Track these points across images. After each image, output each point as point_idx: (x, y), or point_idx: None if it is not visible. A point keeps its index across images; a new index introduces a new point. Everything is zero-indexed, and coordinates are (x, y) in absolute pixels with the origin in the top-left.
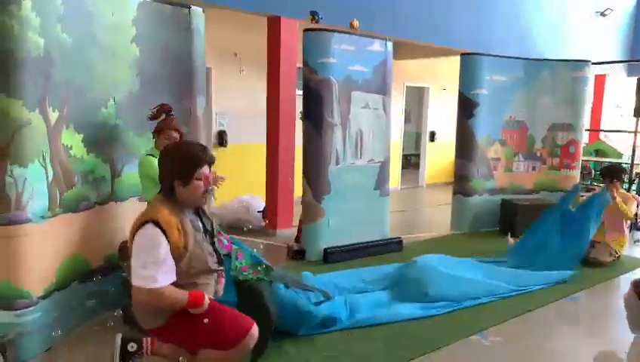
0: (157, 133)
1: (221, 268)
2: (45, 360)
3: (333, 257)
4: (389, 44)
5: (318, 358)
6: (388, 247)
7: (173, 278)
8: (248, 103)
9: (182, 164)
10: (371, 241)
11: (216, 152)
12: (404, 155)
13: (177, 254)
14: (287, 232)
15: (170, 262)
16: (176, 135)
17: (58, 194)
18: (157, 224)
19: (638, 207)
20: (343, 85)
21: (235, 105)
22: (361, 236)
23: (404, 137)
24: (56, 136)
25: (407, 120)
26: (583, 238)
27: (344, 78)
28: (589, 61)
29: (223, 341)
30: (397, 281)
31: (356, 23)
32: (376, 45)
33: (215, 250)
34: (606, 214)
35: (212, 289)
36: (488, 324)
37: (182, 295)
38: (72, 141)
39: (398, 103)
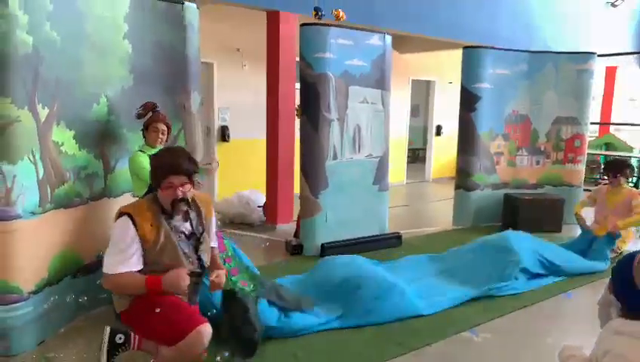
0: (145, 128)
1: (198, 271)
2: (37, 353)
3: (331, 252)
4: (388, 38)
5: (307, 353)
6: (386, 242)
7: (135, 268)
8: (250, 98)
9: (154, 170)
10: (369, 236)
11: (218, 147)
12: (412, 150)
13: (147, 246)
14: (287, 227)
15: (133, 252)
16: (163, 127)
17: (49, 191)
18: (130, 216)
19: None
20: (340, 80)
21: (237, 101)
22: (360, 231)
23: (411, 132)
24: (47, 132)
25: (414, 114)
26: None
27: (341, 73)
28: (594, 53)
29: (171, 333)
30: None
31: (341, 13)
32: (375, 39)
33: (199, 257)
34: (607, 209)
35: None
36: (480, 321)
37: (140, 279)
38: (63, 138)
39: (403, 97)
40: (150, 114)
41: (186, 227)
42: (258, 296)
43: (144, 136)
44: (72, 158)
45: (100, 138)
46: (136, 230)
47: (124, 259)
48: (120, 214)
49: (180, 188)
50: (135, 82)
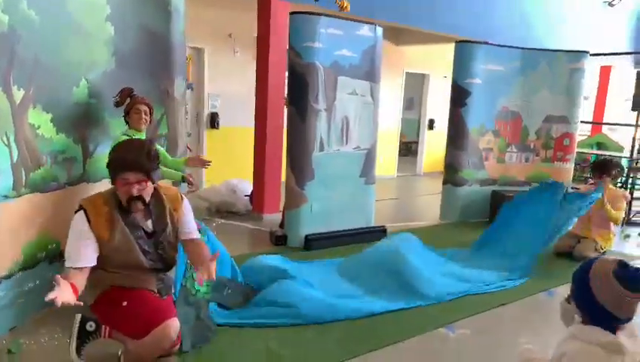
0: (126, 113)
1: (160, 268)
2: (8, 338)
3: (314, 244)
4: (379, 30)
5: (277, 345)
6: (371, 235)
7: (89, 263)
8: (241, 85)
9: (110, 163)
10: (354, 229)
11: (207, 134)
12: (405, 143)
13: (101, 242)
14: (273, 217)
15: (85, 246)
16: (145, 108)
17: (24, 174)
18: (85, 211)
19: (628, 204)
20: (329, 70)
21: (228, 87)
22: (345, 223)
23: (406, 124)
24: (22, 115)
25: (409, 107)
26: (556, 229)
27: (331, 63)
28: (587, 52)
29: (138, 326)
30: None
31: (346, 3)
32: (365, 30)
33: (160, 255)
34: (593, 210)
35: (150, 285)
36: (459, 317)
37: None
38: (40, 120)
39: (396, 89)
40: (128, 100)
41: (147, 225)
42: (209, 300)
43: (127, 122)
44: (48, 142)
45: (80, 122)
46: (90, 226)
47: (78, 254)
48: (78, 208)
49: (137, 186)
50: (117, 66)
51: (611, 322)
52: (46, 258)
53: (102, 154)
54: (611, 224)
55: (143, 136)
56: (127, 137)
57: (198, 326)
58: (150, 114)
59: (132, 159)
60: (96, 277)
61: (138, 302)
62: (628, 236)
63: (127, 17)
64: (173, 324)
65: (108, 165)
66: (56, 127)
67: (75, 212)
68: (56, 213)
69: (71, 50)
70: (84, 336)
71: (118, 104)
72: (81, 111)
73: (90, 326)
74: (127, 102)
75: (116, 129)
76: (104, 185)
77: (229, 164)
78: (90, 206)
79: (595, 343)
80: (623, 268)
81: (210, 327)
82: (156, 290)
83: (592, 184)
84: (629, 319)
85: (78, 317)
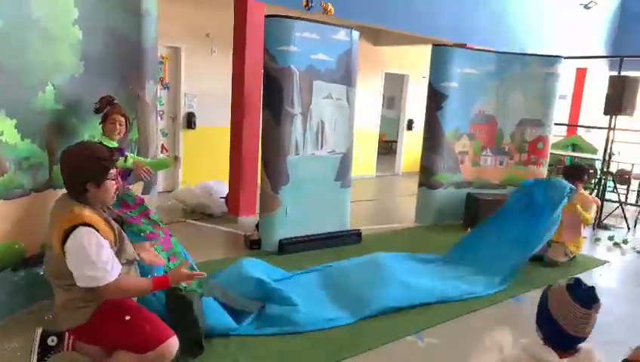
0: (103, 120)
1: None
2: None
3: (288, 248)
4: (355, 34)
5: (247, 357)
6: (345, 239)
7: (120, 266)
8: (219, 86)
9: (95, 166)
10: (328, 233)
11: (184, 134)
12: (386, 141)
13: (112, 246)
14: (249, 220)
15: (113, 255)
16: (121, 119)
17: None
18: (87, 225)
19: (597, 210)
20: (304, 74)
21: (205, 87)
22: (320, 227)
23: (387, 124)
24: None
25: (390, 106)
26: (535, 238)
27: (306, 67)
28: (561, 57)
29: (141, 342)
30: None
31: (330, 7)
32: (342, 34)
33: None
34: (563, 214)
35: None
36: (427, 324)
37: (146, 281)
38: (3, 126)
39: (376, 89)
40: (108, 108)
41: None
42: (202, 294)
43: (102, 129)
44: (12, 148)
45: (46, 127)
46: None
47: (113, 263)
48: (73, 226)
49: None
50: (86, 70)
51: (564, 341)
52: (10, 265)
53: None
54: (581, 228)
55: (114, 145)
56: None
57: (192, 328)
58: (126, 125)
59: (113, 154)
60: (89, 293)
61: (141, 316)
62: (598, 240)
63: (95, 21)
64: (176, 343)
65: (91, 168)
66: (21, 133)
67: (70, 232)
68: (21, 220)
69: (36, 54)
70: (45, 351)
71: (97, 111)
72: (47, 116)
73: (52, 340)
74: (107, 109)
75: (84, 134)
76: None
77: (206, 165)
78: (89, 220)
79: (532, 355)
80: (577, 284)
81: (200, 326)
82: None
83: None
84: (581, 338)
85: (39, 331)
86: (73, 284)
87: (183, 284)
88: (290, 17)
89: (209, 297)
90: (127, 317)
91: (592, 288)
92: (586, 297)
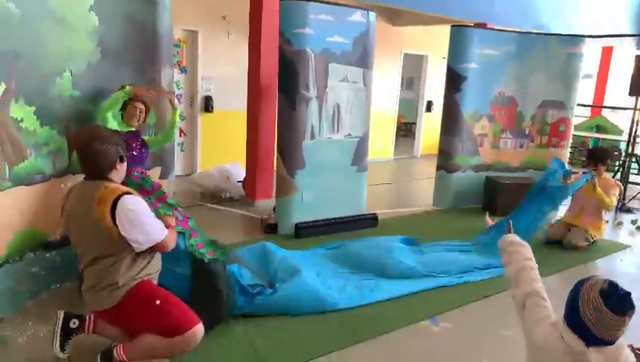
0: (123, 107)
1: None
2: None
3: (304, 232)
4: (372, 15)
5: (265, 340)
6: (362, 223)
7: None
8: (236, 69)
9: (116, 148)
10: (345, 217)
11: (201, 118)
12: (404, 123)
13: None
14: (266, 203)
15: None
16: (141, 106)
17: (7, 169)
18: (130, 193)
19: (620, 194)
20: (320, 57)
21: (222, 71)
22: (336, 211)
23: (406, 105)
24: (4, 109)
25: (409, 87)
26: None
27: (321, 50)
28: (584, 36)
29: (170, 326)
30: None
31: None
32: (358, 15)
33: None
34: (584, 199)
35: (159, 265)
36: (443, 309)
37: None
38: (23, 114)
39: (394, 71)
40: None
41: None
42: (225, 262)
43: (122, 115)
44: (32, 135)
45: (64, 113)
46: None
47: (159, 222)
48: (118, 196)
49: None
50: (102, 56)
51: (591, 339)
52: (32, 250)
53: None
54: (603, 213)
55: (131, 130)
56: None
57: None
58: (146, 113)
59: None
60: (122, 277)
61: (170, 301)
62: (620, 223)
63: (111, 7)
64: (202, 329)
65: (115, 152)
66: (40, 120)
67: (116, 202)
68: (41, 205)
69: (53, 42)
70: (68, 333)
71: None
72: (65, 103)
73: (74, 323)
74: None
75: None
76: None
77: (223, 148)
78: (125, 189)
79: (562, 336)
80: (611, 287)
81: (226, 305)
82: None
83: (584, 173)
84: (607, 342)
85: (61, 314)
86: (113, 260)
87: (208, 256)
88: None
89: (232, 266)
90: (158, 302)
91: (628, 294)
92: (621, 305)
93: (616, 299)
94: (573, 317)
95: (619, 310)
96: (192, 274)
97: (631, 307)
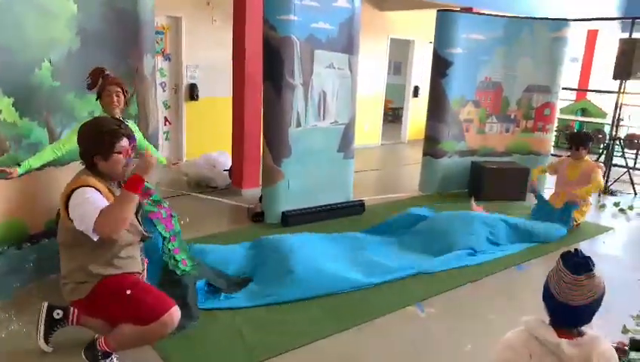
0: (99, 95)
1: (148, 235)
2: None
3: (292, 220)
4: (357, 0)
5: (251, 328)
6: (349, 210)
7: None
8: (221, 55)
9: (101, 139)
10: (332, 204)
11: (186, 106)
12: (392, 109)
13: None
14: (252, 192)
15: (99, 199)
16: (117, 89)
17: None
18: (87, 186)
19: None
20: (305, 44)
21: (206, 57)
22: (323, 199)
23: (393, 90)
24: None
25: (397, 72)
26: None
27: (307, 37)
28: (569, 20)
29: (143, 314)
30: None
31: None
32: (343, 1)
33: (139, 221)
34: (569, 182)
35: (138, 265)
36: (428, 294)
37: (122, 195)
38: (1, 105)
39: (381, 56)
40: (100, 80)
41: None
42: (197, 276)
43: (101, 105)
44: (12, 126)
45: (44, 105)
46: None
47: (100, 202)
48: (74, 188)
49: (129, 154)
50: (83, 45)
51: (559, 313)
52: (14, 242)
53: None
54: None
55: None
56: None
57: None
58: (124, 94)
59: (122, 128)
60: (87, 269)
61: (141, 289)
62: (603, 206)
63: None
64: (178, 313)
65: (94, 141)
66: (19, 111)
67: (71, 193)
68: (23, 198)
69: (30, 30)
70: (51, 324)
71: (90, 87)
72: (45, 93)
73: (57, 314)
74: (100, 82)
75: (83, 110)
76: (72, 168)
77: (209, 136)
78: (91, 184)
79: (533, 334)
80: (573, 253)
81: (193, 315)
82: (141, 270)
83: (568, 156)
84: (574, 309)
85: (45, 305)
86: (77, 251)
87: (181, 266)
88: None
89: (202, 280)
90: (128, 292)
91: (588, 257)
92: (578, 264)
93: (574, 260)
94: (545, 293)
95: (573, 268)
96: (160, 283)
97: (587, 269)
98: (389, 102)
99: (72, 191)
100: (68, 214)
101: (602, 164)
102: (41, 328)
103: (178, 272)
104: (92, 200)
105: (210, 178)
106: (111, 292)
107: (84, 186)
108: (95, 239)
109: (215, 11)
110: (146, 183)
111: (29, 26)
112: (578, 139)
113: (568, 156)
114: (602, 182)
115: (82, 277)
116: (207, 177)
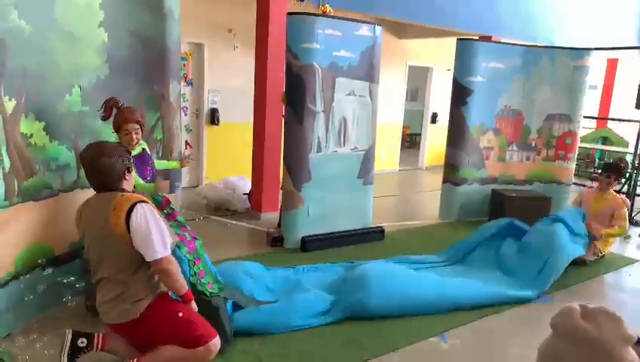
0: (116, 130)
1: None
2: (3, 346)
3: (311, 245)
4: (378, 29)
5: (271, 357)
6: (368, 236)
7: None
8: (242, 81)
9: (123, 160)
10: (351, 230)
11: (207, 131)
12: (409, 135)
13: None
14: (271, 216)
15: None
16: (135, 127)
17: (16, 184)
18: (144, 201)
19: (627, 209)
20: (327, 71)
21: (228, 83)
22: (342, 225)
23: (411, 116)
24: (14, 125)
25: (413, 98)
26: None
27: (329, 64)
28: (590, 49)
29: (192, 338)
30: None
31: (328, 9)
32: (364, 30)
33: None
34: (591, 214)
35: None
36: (451, 325)
37: (184, 281)
38: (32, 129)
39: (399, 83)
40: (114, 111)
41: None
42: (225, 297)
43: (118, 137)
44: (41, 150)
45: (73, 129)
46: None
47: (165, 233)
48: (134, 204)
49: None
50: (111, 72)
51: None
52: (40, 265)
53: None
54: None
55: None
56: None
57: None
58: (142, 129)
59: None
60: (144, 285)
61: (191, 314)
62: (629, 237)
63: (120, 23)
64: (219, 340)
65: (122, 164)
66: (49, 135)
67: (131, 210)
68: (49, 220)
69: (62, 57)
70: (74, 352)
71: (104, 118)
72: (74, 118)
73: (82, 342)
74: (115, 113)
75: (110, 135)
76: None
77: (229, 161)
78: (140, 197)
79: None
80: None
81: (228, 338)
82: None
83: (598, 187)
84: None
85: (69, 333)
86: (132, 273)
87: (209, 289)
88: (313, 14)
89: (230, 301)
90: (180, 314)
91: None
92: None
93: None
94: None
95: None
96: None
97: None
98: (406, 128)
99: (132, 207)
100: (128, 229)
101: (628, 200)
102: (65, 356)
103: (207, 293)
104: (159, 223)
105: (230, 201)
106: (164, 312)
107: (141, 202)
108: (148, 260)
109: (237, 38)
110: (170, 205)
111: (61, 53)
112: (613, 169)
113: (590, 187)
114: (627, 227)
115: (141, 294)
116: (227, 201)
